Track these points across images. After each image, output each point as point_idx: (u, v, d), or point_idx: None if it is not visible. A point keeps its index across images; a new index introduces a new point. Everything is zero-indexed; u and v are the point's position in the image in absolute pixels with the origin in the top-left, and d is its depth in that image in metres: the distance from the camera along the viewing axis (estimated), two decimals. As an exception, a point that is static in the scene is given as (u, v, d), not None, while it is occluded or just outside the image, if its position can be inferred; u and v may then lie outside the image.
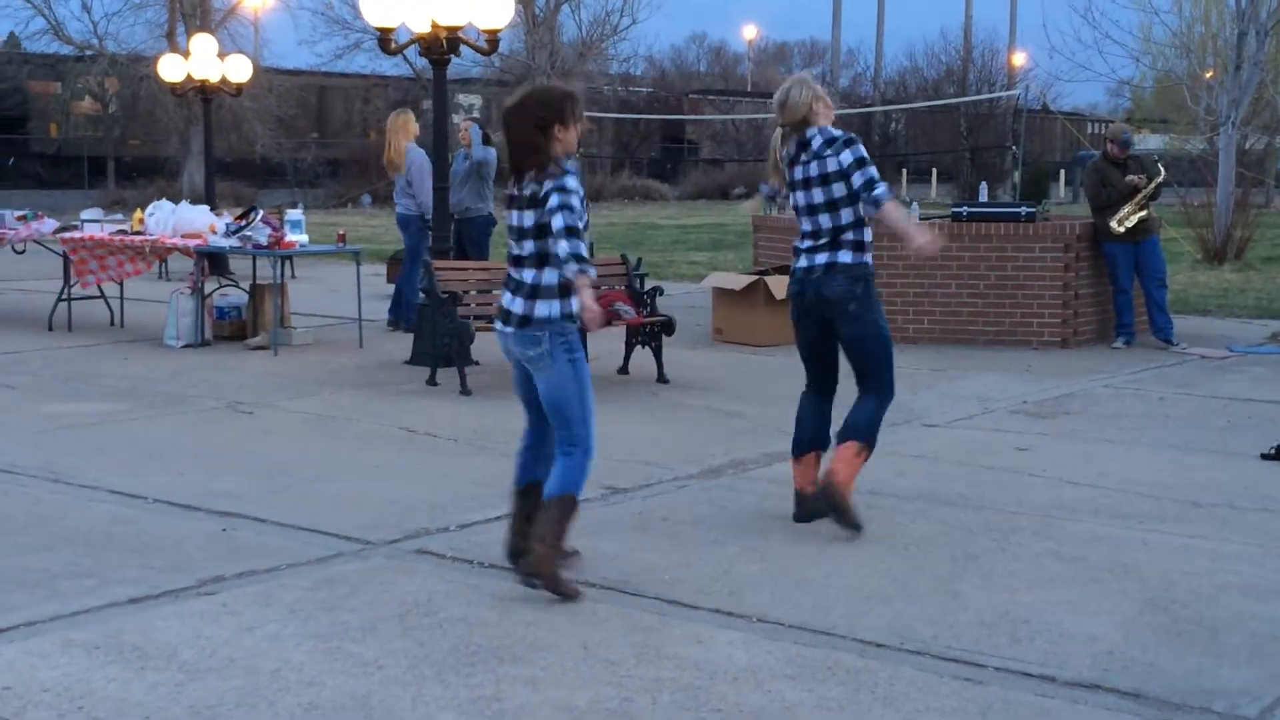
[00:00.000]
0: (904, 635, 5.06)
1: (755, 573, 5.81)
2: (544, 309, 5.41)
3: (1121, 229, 12.32)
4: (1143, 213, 12.39)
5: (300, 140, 43.75)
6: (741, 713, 4.36)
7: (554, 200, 5.34)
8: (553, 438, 5.61)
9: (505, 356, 5.67)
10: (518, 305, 5.47)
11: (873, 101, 54.67)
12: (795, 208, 6.59)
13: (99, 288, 13.17)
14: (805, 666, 4.75)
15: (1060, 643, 4.99)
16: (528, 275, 5.46)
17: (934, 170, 51.34)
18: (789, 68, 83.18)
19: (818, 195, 6.42)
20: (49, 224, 13.39)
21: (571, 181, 5.40)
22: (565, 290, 5.39)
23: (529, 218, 5.44)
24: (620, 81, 55.10)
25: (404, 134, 13.04)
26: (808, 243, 6.52)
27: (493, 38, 10.92)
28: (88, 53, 39.81)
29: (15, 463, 7.60)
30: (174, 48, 34.57)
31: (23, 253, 14.03)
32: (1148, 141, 46.11)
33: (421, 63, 43.96)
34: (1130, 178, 12.34)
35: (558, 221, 5.32)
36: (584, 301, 5.33)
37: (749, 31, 78.74)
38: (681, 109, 56.03)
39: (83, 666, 4.67)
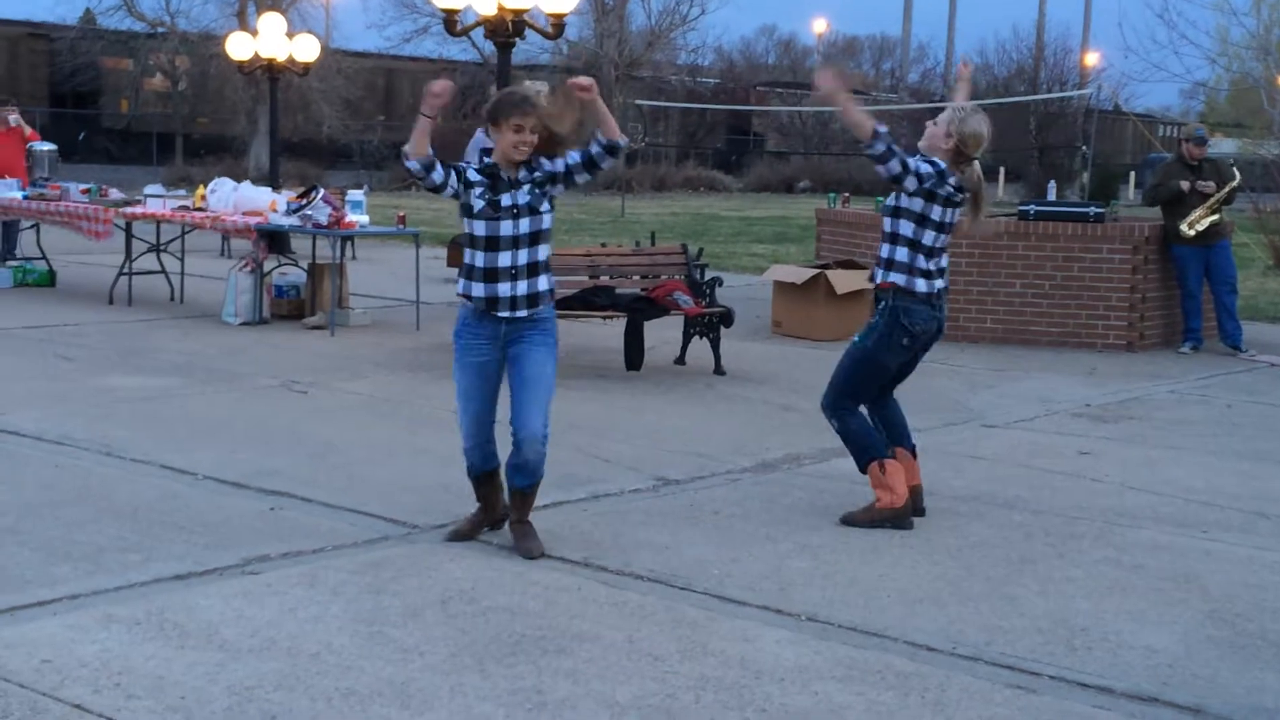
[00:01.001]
0: (957, 640, 4.94)
1: (806, 570, 5.71)
2: (546, 283, 5.81)
3: (1192, 232, 12.09)
4: (1214, 216, 12.15)
5: (367, 122, 43.90)
6: (788, 713, 4.26)
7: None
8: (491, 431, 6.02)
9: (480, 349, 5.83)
10: (521, 286, 5.71)
11: (942, 98, 54.18)
12: (943, 224, 6.36)
13: (160, 262, 13.20)
14: (855, 668, 4.64)
15: (1118, 653, 4.85)
16: (523, 256, 5.77)
17: (1001, 169, 50.90)
18: (858, 63, 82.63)
19: (950, 216, 6.36)
20: (115, 194, 13.46)
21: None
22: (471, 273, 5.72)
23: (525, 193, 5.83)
24: (688, 72, 54.94)
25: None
26: (938, 264, 6.42)
27: (558, 22, 10.85)
28: (160, 29, 40.24)
29: (69, 435, 7.60)
30: (244, 27, 34.85)
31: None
32: (1221, 146, 45.50)
33: (489, 48, 44.08)
34: (1183, 182, 12.09)
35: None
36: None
37: (819, 25, 78.19)
38: (748, 101, 55.78)
39: (123, 642, 4.63)
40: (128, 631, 4.73)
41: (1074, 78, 53.45)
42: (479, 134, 12.69)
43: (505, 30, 10.69)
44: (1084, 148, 38.26)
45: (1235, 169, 12.60)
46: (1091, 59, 57.82)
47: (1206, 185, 12.08)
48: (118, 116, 45.25)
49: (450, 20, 10.89)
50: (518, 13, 10.57)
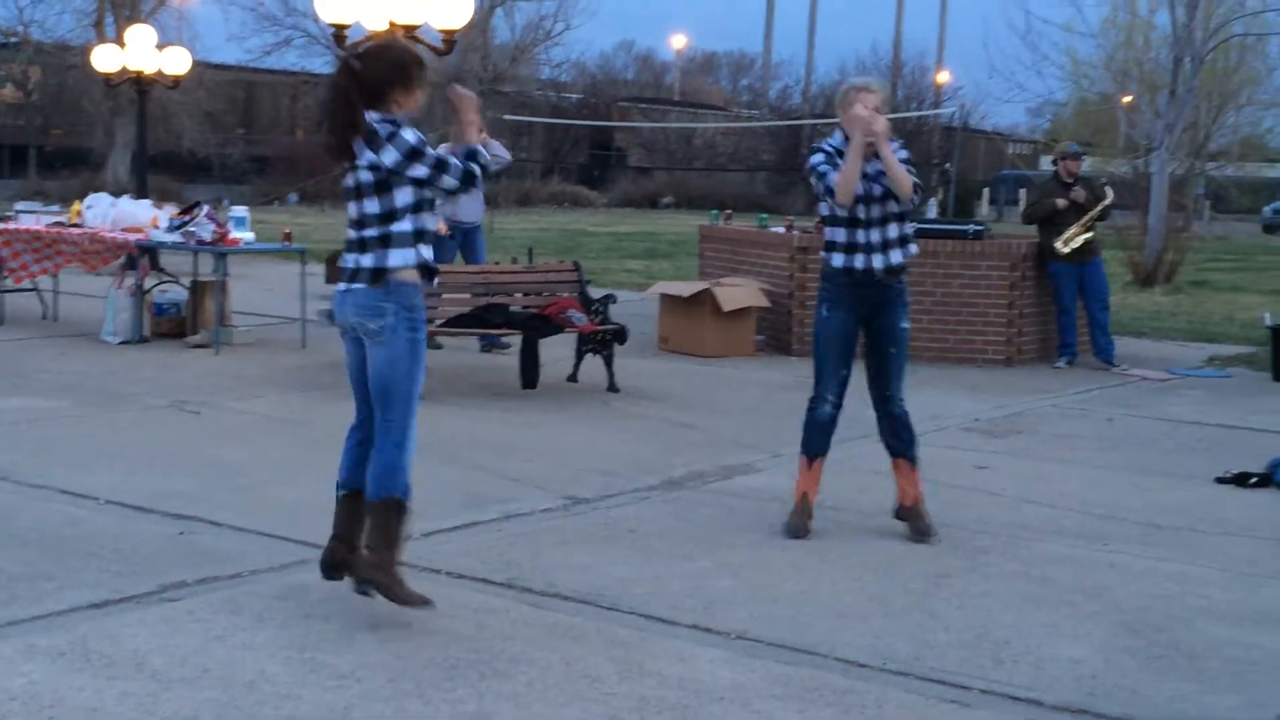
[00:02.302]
0: (886, 655, 5.02)
1: (729, 588, 5.75)
2: (397, 258, 5.08)
3: (1066, 249, 12.41)
4: (1088, 234, 12.49)
5: (227, 136, 43.26)
6: (733, 733, 4.30)
7: (394, 154, 5.05)
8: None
9: (341, 329, 5.32)
10: (366, 260, 5.10)
11: (802, 114, 54.92)
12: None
13: (31, 281, 12.88)
14: (791, 686, 4.69)
15: (1043, 665, 4.97)
16: (372, 231, 5.11)
17: (862, 185, 51.60)
18: (717, 78, 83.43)
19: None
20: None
21: (409, 134, 5.10)
22: (420, 236, 5.12)
23: (366, 175, 5.09)
24: (551, 87, 55.02)
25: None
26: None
27: (450, 38, 10.81)
28: (12, 39, 39.21)
29: (-41, 459, 7.40)
30: (102, 38, 34.13)
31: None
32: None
33: (352, 61, 43.72)
34: (1058, 200, 12.41)
35: (418, 170, 5.09)
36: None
37: (678, 41, 78.78)
38: (611, 116, 56.02)
39: (49, 674, 4.52)
40: (53, 662, 4.62)
41: (930, 96, 54.55)
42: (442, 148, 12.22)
43: (395, 47, 10.61)
44: (948, 165, 39.00)
45: (1108, 187, 12.96)
46: (944, 77, 59.04)
47: (1078, 194, 12.38)
48: (-35, 128, 44.09)
49: (339, 36, 10.79)
50: (409, 28, 10.51)
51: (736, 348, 12.43)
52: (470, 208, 12.06)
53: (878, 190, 6.59)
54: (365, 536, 5.17)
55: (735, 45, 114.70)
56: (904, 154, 6.62)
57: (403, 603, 5.05)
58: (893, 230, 6.64)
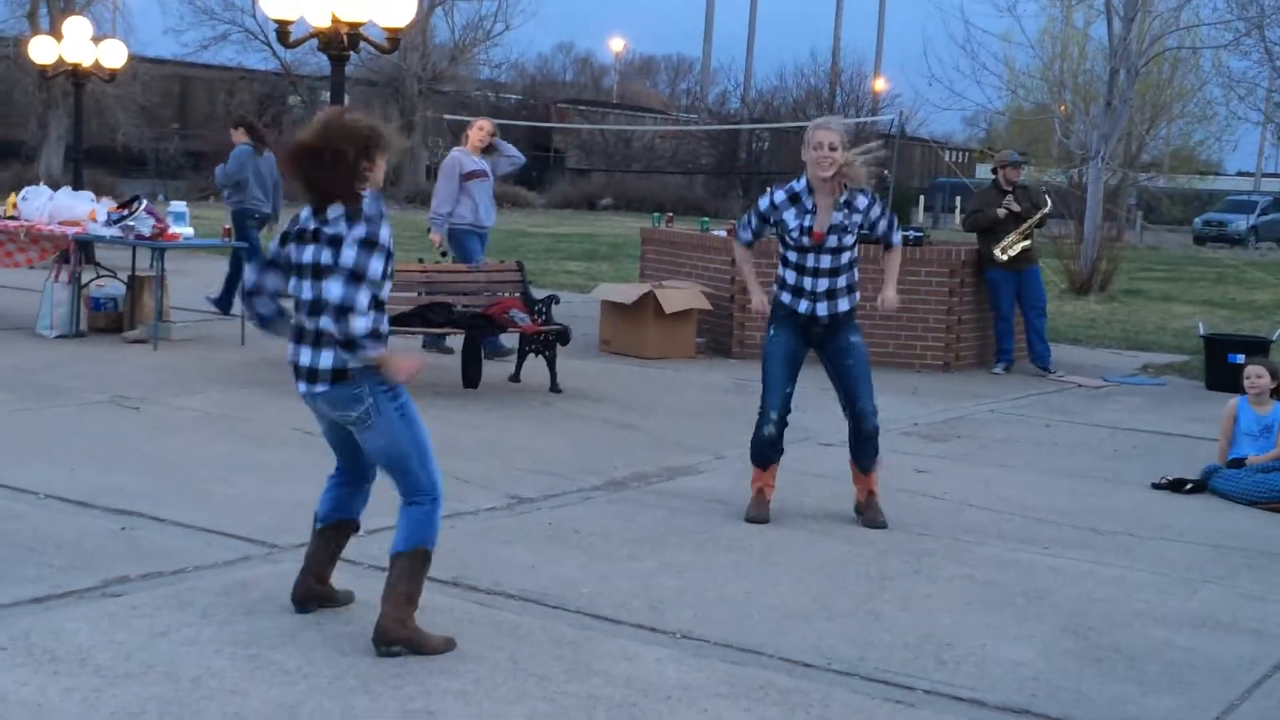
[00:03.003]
0: (830, 656, 5.05)
1: (674, 588, 5.77)
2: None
3: (1004, 257, 12.53)
4: (1026, 242, 12.62)
5: (162, 130, 42.80)
6: (681, 731, 4.32)
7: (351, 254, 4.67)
8: (368, 476, 5.22)
9: (316, 418, 5.06)
10: (325, 359, 4.76)
11: (740, 118, 55.07)
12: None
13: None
14: (738, 685, 4.71)
15: (985, 667, 5.02)
16: (327, 323, 4.70)
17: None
18: (655, 82, 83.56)
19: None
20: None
21: (384, 233, 4.74)
22: (375, 332, 4.70)
23: (327, 255, 4.70)
24: (490, 88, 54.88)
25: (461, 142, 12.24)
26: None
27: (394, 36, 10.76)
28: (-57, 29, 38.63)
29: (-105, 453, 7.29)
30: (36, 29, 33.68)
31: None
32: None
33: (290, 58, 43.43)
34: (999, 210, 12.52)
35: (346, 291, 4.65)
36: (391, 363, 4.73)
37: (616, 44, 78.83)
38: (549, 118, 55.94)
39: (-8, 669, 4.47)
40: (-6, 657, 4.57)
41: (868, 103, 54.85)
42: (450, 156, 12.11)
43: (340, 43, 10.56)
44: (887, 172, 39.20)
45: (1046, 195, 13.10)
46: (882, 85, 59.39)
47: (1011, 204, 12.49)
48: (-109, 118, 43.34)
49: (283, 31, 10.70)
50: (353, 25, 10.45)
51: (678, 350, 12.45)
52: (490, 212, 12.08)
53: (831, 242, 6.80)
54: (385, 588, 4.86)
55: (674, 49, 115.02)
56: (877, 210, 6.94)
57: (433, 652, 4.78)
58: (842, 279, 6.92)
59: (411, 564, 4.87)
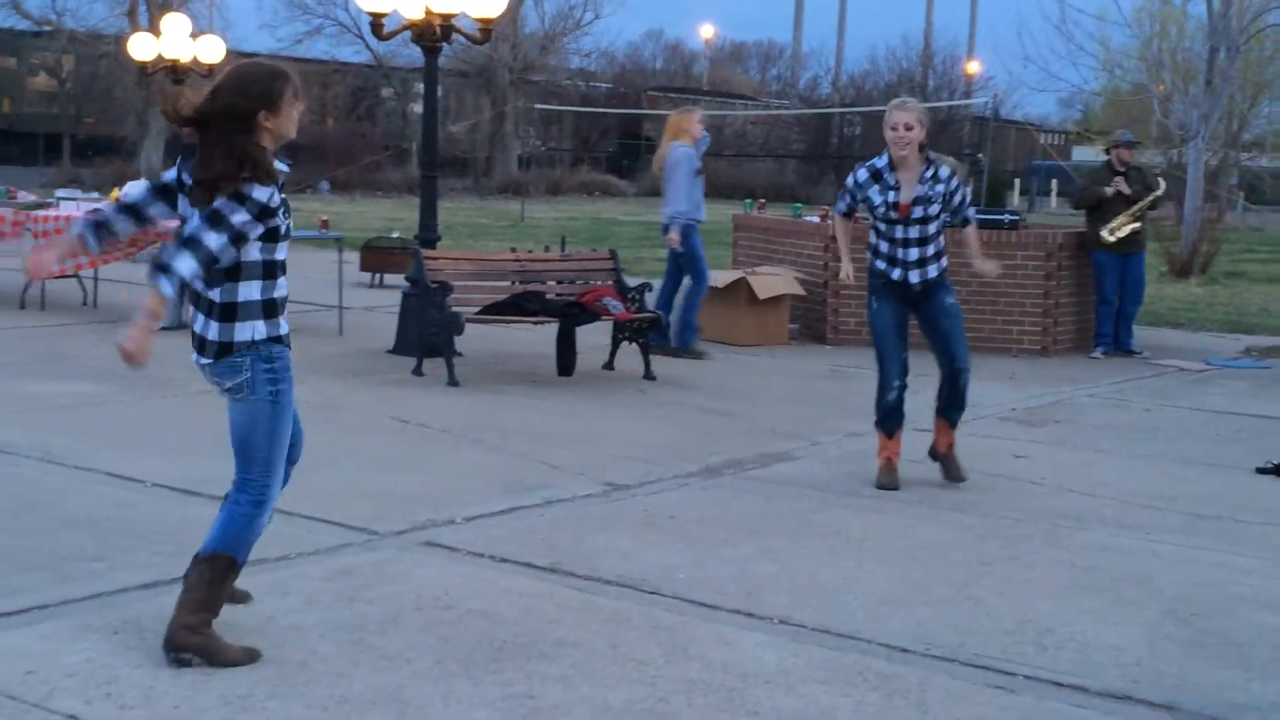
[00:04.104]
0: (928, 641, 5.04)
1: (770, 574, 5.78)
2: (244, 332, 4.53)
3: (1112, 238, 12.37)
4: (1136, 224, 12.45)
5: (259, 124, 43.32)
6: (780, 716, 4.32)
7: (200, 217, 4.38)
8: (292, 457, 4.94)
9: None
10: (212, 330, 4.55)
11: (831, 103, 54.83)
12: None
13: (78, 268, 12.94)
14: (835, 670, 4.72)
15: (1087, 652, 4.98)
16: (216, 293, 4.52)
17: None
18: (745, 68, 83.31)
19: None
20: (25, 197, 13.20)
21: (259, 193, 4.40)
22: (271, 309, 4.57)
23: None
24: (580, 77, 55.06)
25: (671, 134, 11.84)
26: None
27: (486, 27, 10.84)
28: (45, 28, 39.43)
29: (7, 442, 7.47)
30: (135, 26, 34.31)
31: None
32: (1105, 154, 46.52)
33: (383, 50, 43.77)
34: (1106, 188, 12.36)
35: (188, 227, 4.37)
36: (137, 323, 4.36)
37: (706, 30, 78.71)
38: (640, 105, 56.02)
39: (104, 651, 4.58)
40: (107, 641, 4.68)
41: (961, 86, 54.39)
42: (681, 150, 11.67)
43: (432, 35, 10.66)
44: (980, 155, 38.88)
45: (1160, 178, 12.91)
46: (975, 67, 58.84)
47: (1122, 185, 12.33)
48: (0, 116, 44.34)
49: (376, 24, 10.81)
50: (446, 17, 10.54)
51: (771, 336, 12.45)
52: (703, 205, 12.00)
53: (918, 213, 7.16)
54: (181, 591, 4.61)
55: (764, 34, 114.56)
56: (954, 183, 7.25)
57: (231, 664, 4.47)
58: (930, 248, 7.25)
59: (212, 569, 4.56)
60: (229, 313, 4.51)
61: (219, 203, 4.36)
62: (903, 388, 7.32)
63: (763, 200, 16.05)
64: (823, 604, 5.42)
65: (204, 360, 4.62)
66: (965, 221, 7.51)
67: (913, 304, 7.33)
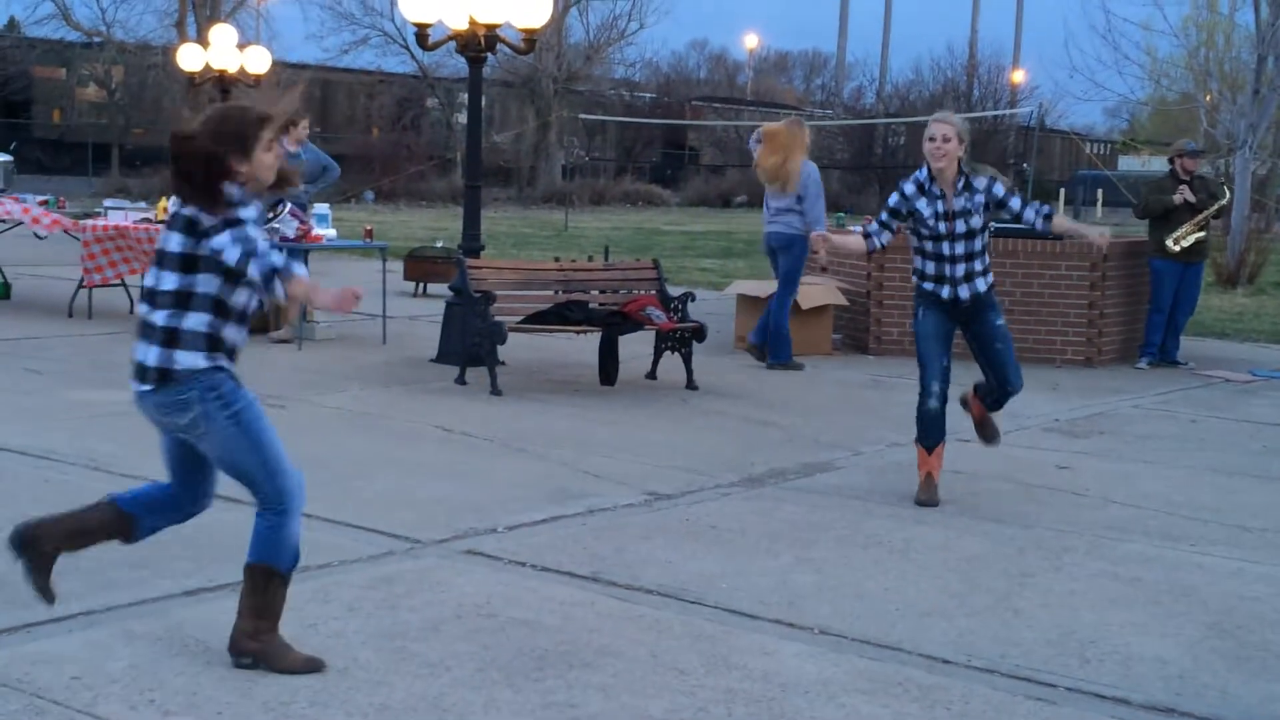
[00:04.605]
0: (970, 652, 5.02)
1: (812, 584, 5.77)
2: (186, 359, 4.44)
3: (1177, 248, 12.28)
4: (1200, 234, 12.36)
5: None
6: (820, 726, 4.32)
7: (224, 237, 4.32)
8: (194, 510, 4.93)
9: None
10: (152, 356, 4.46)
11: (876, 113, 54.68)
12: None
13: (121, 278, 13.06)
14: (876, 681, 4.70)
15: (1129, 665, 4.95)
16: (161, 316, 4.43)
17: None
18: (790, 78, 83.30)
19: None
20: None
21: (248, 212, 4.39)
22: (214, 342, 4.45)
23: (176, 241, 4.40)
24: (624, 86, 55.13)
25: (801, 148, 11.67)
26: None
27: (530, 37, 10.89)
28: (95, 39, 39.83)
29: (53, 449, 7.54)
30: (183, 37, 34.63)
31: (45, 238, 13.99)
32: (1151, 163, 46.24)
33: (428, 60, 43.98)
34: (1174, 196, 12.27)
35: (231, 254, 4.31)
36: (317, 299, 4.46)
37: (750, 40, 78.73)
38: (684, 115, 56.05)
39: (148, 658, 4.62)
40: (150, 647, 4.72)
41: (1006, 95, 54.13)
42: (813, 167, 11.70)
43: (477, 45, 10.70)
44: (1026, 165, 38.69)
45: (1225, 187, 12.80)
46: (1020, 77, 58.56)
47: (1187, 193, 12.22)
48: (50, 127, 44.76)
49: (421, 35, 10.87)
50: (490, 27, 10.58)
51: (814, 346, 12.42)
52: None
53: (961, 227, 7.14)
54: (239, 599, 4.66)
55: (809, 45, 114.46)
56: (995, 188, 7.21)
57: (292, 670, 4.52)
58: (978, 263, 7.24)
59: (253, 580, 4.60)
60: (171, 338, 4.41)
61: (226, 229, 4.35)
62: (944, 396, 7.23)
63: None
64: (864, 614, 5.41)
65: (143, 388, 4.53)
66: (1039, 228, 7.34)
67: (962, 320, 7.30)
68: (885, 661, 4.91)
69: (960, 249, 7.14)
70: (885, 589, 5.75)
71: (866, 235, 7.34)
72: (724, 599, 5.52)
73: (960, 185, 7.11)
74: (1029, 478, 7.85)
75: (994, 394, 7.53)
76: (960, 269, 7.17)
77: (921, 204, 7.17)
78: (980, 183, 7.16)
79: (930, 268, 7.22)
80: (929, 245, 7.19)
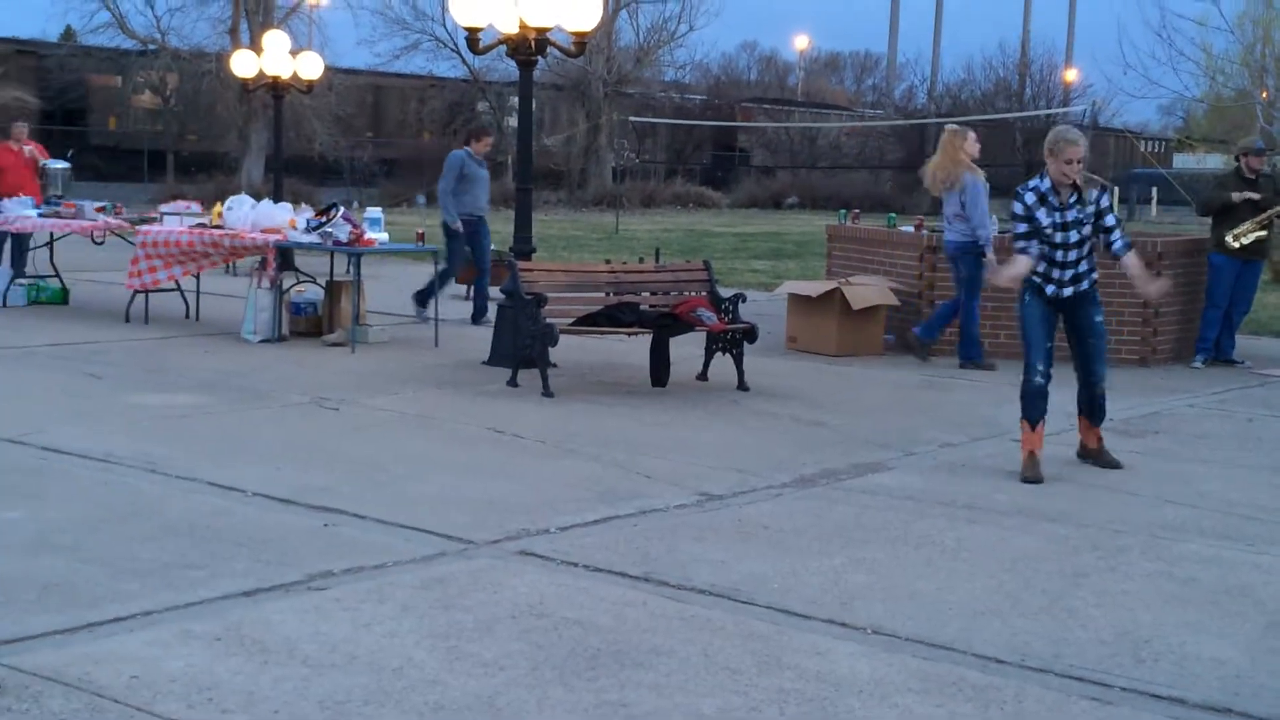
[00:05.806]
0: (1024, 652, 5.00)
1: (864, 583, 5.77)
2: None
3: (1236, 245, 12.17)
4: (1262, 232, 12.25)
5: (357, 139, 43.87)
6: (873, 726, 4.32)
7: None
8: None
9: None
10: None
11: (927, 113, 54.42)
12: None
13: (175, 282, 13.18)
14: (930, 681, 4.70)
15: (1185, 664, 4.92)
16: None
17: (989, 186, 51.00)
18: (840, 78, 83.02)
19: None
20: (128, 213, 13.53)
21: None
22: None
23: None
24: (675, 89, 55.09)
25: (954, 156, 11.87)
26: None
27: (580, 40, 10.91)
28: (150, 47, 40.18)
29: (112, 452, 7.62)
30: (237, 44, 34.87)
31: (102, 243, 14.15)
32: (1206, 161, 45.85)
33: (479, 64, 44.12)
34: (1234, 193, 12.16)
35: None
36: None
37: (800, 41, 78.49)
38: (734, 117, 55.97)
39: (206, 658, 4.67)
40: (208, 647, 4.77)
41: (1058, 94, 53.77)
42: (978, 175, 11.84)
43: (527, 49, 10.74)
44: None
45: None
46: (1073, 75, 58.16)
47: (1247, 194, 12.11)
48: (106, 134, 45.20)
49: (472, 39, 10.92)
50: (540, 31, 10.61)
51: (865, 347, 12.39)
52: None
53: (1074, 237, 7.76)
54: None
55: (859, 45, 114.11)
56: (1104, 203, 7.85)
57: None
58: (1084, 265, 7.89)
59: None
60: None
61: None
62: (1048, 375, 7.76)
63: (857, 211, 15.96)
64: (917, 614, 5.39)
65: None
66: (1114, 251, 7.90)
67: (1065, 311, 7.92)
68: (939, 661, 4.90)
69: (1072, 255, 7.78)
70: (938, 588, 5.73)
71: (1024, 252, 7.77)
72: (776, 599, 5.52)
73: (1075, 198, 7.74)
74: (1083, 477, 7.80)
75: (1084, 393, 8.03)
76: (1069, 272, 7.81)
77: (1041, 214, 7.75)
78: (1092, 195, 7.77)
79: (1041, 266, 7.80)
80: (1044, 249, 7.77)
